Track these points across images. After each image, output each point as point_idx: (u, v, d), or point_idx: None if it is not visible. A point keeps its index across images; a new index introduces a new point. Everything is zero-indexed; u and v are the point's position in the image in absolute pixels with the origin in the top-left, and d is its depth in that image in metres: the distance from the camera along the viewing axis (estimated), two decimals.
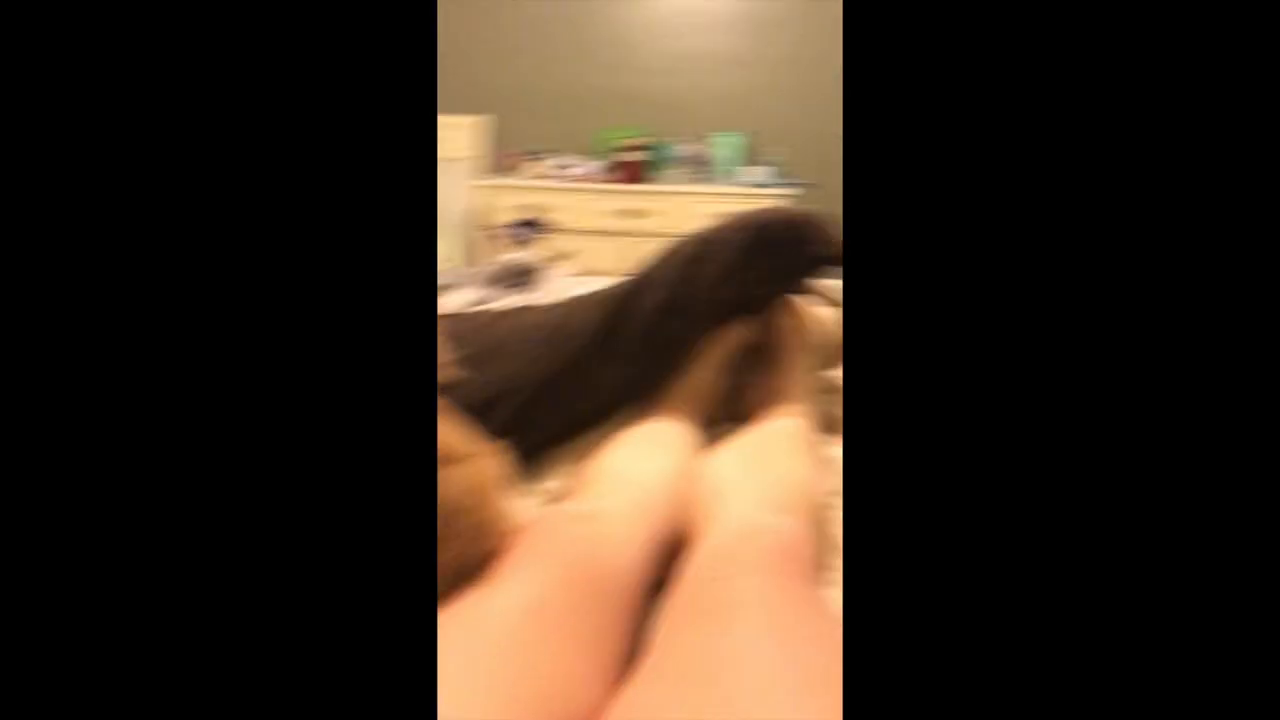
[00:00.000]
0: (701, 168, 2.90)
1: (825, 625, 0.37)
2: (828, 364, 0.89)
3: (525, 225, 2.85)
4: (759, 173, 2.88)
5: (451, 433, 0.50)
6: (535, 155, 2.99)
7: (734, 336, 0.81)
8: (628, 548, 0.47)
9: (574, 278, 1.40)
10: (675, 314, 0.72)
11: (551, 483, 0.68)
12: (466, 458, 0.49)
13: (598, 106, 3.06)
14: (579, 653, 0.38)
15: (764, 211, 0.77)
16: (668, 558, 0.51)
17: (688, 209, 2.66)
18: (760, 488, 0.55)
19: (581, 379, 0.72)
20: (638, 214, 2.74)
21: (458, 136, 3.05)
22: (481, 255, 2.29)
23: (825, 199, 3.04)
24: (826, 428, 0.77)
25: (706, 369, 0.79)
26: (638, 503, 0.53)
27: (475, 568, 0.45)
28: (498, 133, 3.10)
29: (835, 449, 0.74)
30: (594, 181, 2.85)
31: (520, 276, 1.26)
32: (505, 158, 3.05)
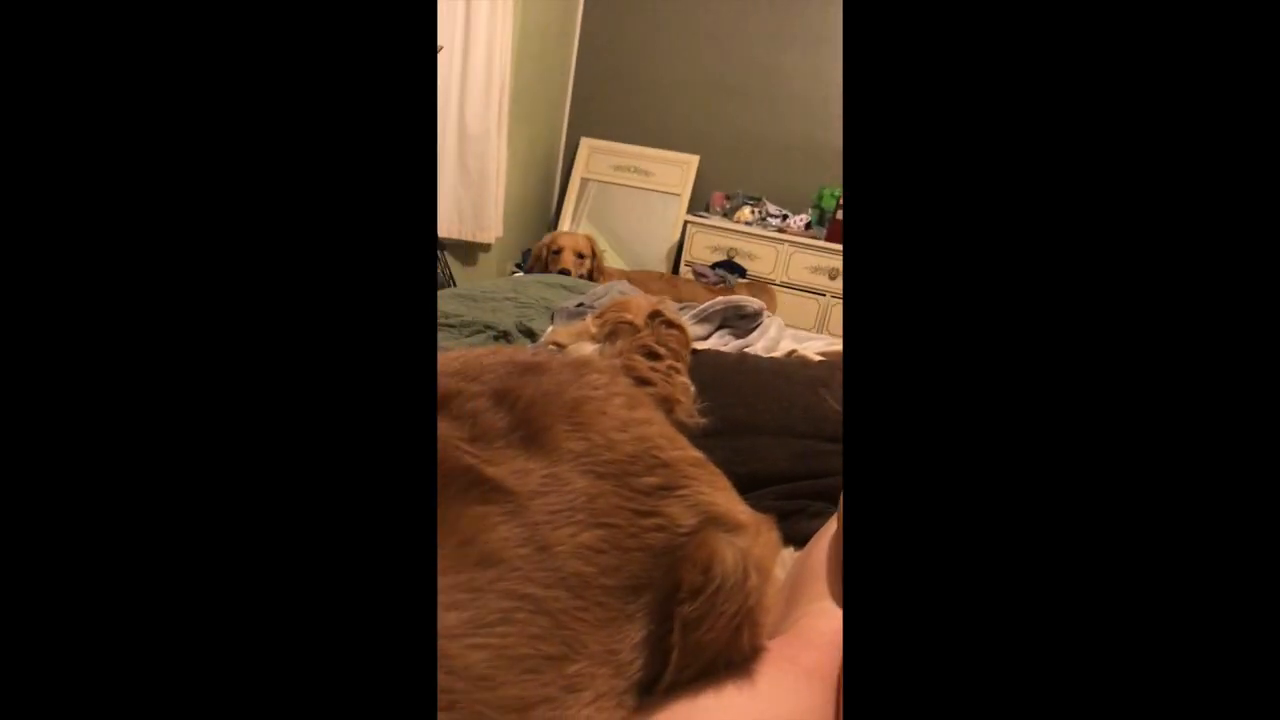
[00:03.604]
0: None
1: None
2: None
3: (726, 267, 2.83)
4: None
5: (728, 496, 0.43)
6: (752, 201, 2.97)
7: None
8: None
9: (790, 331, 1.32)
10: None
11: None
12: (743, 527, 0.41)
13: (810, 160, 2.99)
14: None
15: None
16: None
17: None
18: None
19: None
20: (840, 274, 2.62)
21: (670, 171, 3.11)
22: (684, 289, 2.30)
23: None
24: None
25: None
26: None
27: (724, 658, 0.38)
28: (707, 173, 3.12)
29: None
30: (801, 235, 2.76)
31: (742, 319, 1.20)
32: (718, 199, 3.06)
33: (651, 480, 0.40)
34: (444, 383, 0.40)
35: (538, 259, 2.38)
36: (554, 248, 2.35)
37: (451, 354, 0.45)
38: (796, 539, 0.57)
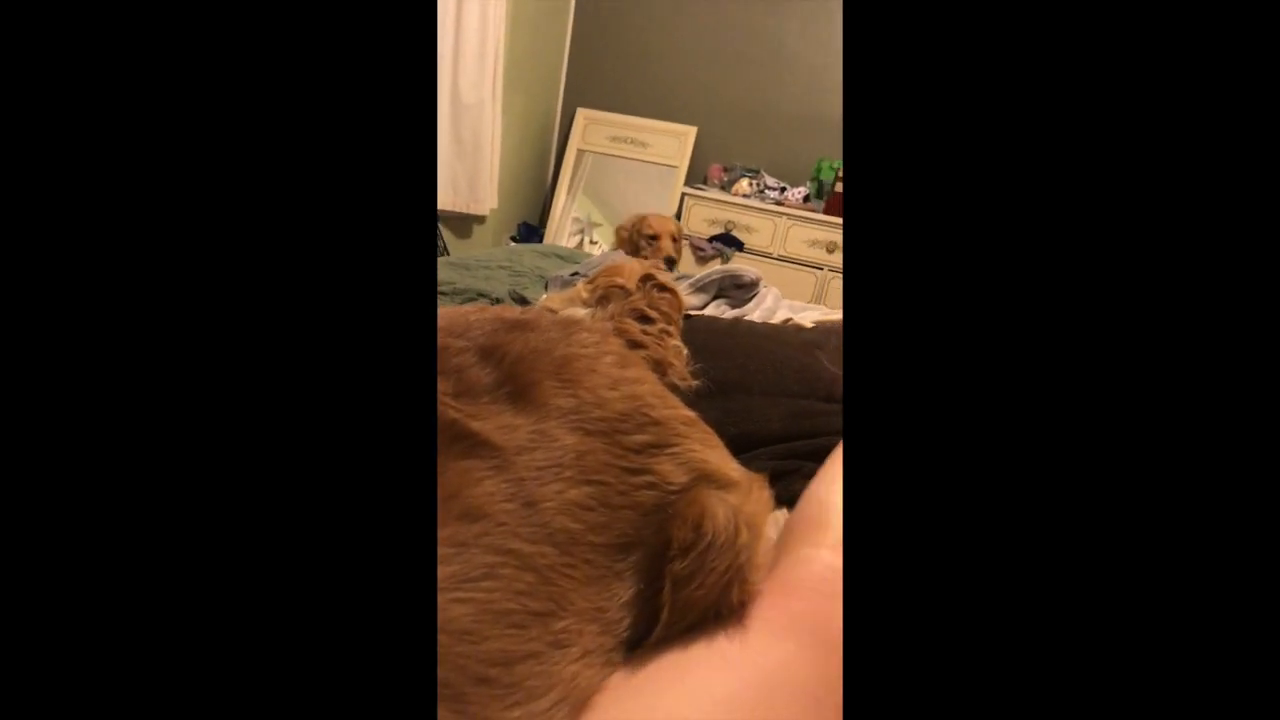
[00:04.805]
0: None
1: None
2: None
3: (724, 240, 2.81)
4: None
5: (720, 454, 0.42)
6: (750, 173, 2.93)
7: None
8: None
9: (786, 301, 1.31)
10: None
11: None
12: (735, 485, 0.41)
13: (809, 132, 2.95)
14: None
15: None
16: None
17: None
18: None
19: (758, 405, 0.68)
20: (837, 248, 2.60)
21: (668, 143, 3.07)
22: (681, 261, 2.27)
23: None
24: None
25: None
26: None
27: (713, 614, 0.37)
28: (705, 145, 3.08)
29: None
30: (800, 208, 2.74)
31: (738, 289, 1.19)
32: (715, 171, 3.03)
33: (642, 438, 0.39)
34: None
35: (628, 243, 2.05)
36: (648, 233, 2.03)
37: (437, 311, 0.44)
38: (790, 500, 0.56)
